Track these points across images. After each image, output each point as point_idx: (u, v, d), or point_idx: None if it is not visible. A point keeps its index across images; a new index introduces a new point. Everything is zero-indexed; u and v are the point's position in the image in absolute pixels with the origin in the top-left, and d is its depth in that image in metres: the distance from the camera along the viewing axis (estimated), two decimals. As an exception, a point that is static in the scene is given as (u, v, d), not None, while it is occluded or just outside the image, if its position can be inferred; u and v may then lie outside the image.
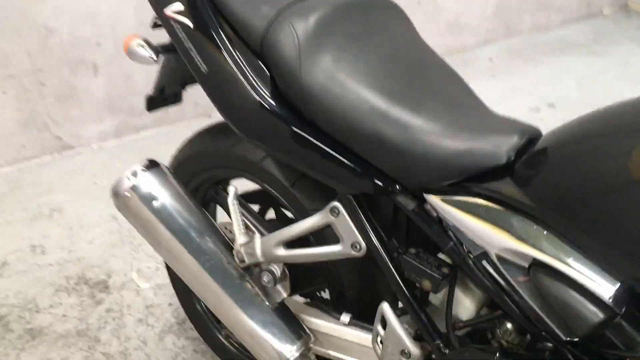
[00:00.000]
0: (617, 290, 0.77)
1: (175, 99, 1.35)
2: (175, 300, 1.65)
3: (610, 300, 0.77)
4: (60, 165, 2.47)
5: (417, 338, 1.04)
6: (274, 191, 1.19)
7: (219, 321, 1.43)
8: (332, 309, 1.21)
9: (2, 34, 2.24)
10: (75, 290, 1.86)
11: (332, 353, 1.20)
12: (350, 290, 1.17)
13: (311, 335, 1.20)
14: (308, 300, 1.34)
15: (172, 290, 1.60)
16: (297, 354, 1.14)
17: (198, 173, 1.32)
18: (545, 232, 0.83)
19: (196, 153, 1.31)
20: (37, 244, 2.04)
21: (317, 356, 1.24)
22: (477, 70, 3.19)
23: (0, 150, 2.41)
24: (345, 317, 1.16)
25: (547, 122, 1.07)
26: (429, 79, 1.02)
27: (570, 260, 0.80)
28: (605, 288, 0.77)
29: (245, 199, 1.32)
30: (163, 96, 1.32)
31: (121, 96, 2.55)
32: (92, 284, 1.88)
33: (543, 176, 0.86)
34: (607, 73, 3.20)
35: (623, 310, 0.77)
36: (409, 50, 1.06)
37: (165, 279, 1.76)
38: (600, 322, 0.79)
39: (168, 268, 1.51)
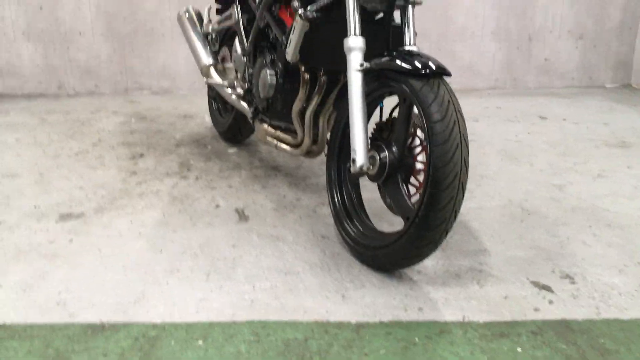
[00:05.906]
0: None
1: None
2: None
3: None
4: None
5: (242, 50, 2.76)
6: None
7: (221, 101, 3.29)
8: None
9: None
10: (179, 116, 3.95)
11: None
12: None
13: (219, 61, 3.02)
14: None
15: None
16: (210, 62, 2.98)
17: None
18: None
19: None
20: (186, 114, 4.18)
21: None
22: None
23: (184, 82, 4.73)
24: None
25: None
26: None
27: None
28: None
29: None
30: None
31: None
32: (187, 115, 3.96)
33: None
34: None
35: None
36: None
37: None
38: None
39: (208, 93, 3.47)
